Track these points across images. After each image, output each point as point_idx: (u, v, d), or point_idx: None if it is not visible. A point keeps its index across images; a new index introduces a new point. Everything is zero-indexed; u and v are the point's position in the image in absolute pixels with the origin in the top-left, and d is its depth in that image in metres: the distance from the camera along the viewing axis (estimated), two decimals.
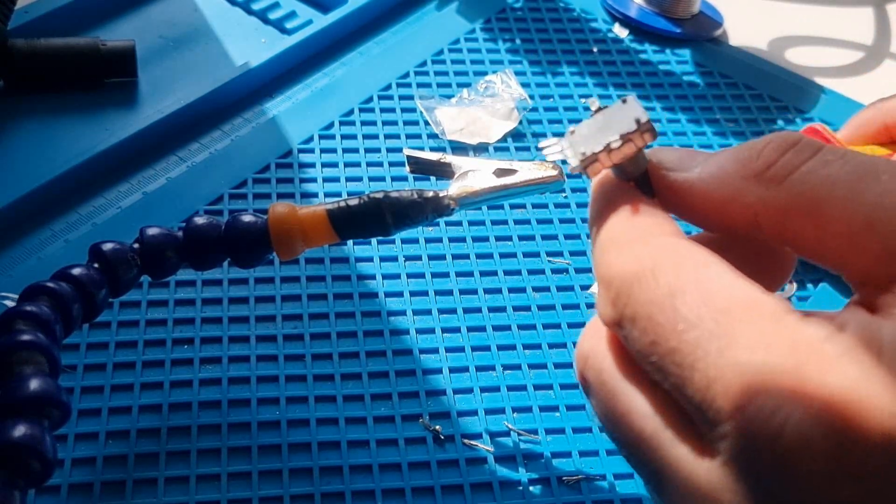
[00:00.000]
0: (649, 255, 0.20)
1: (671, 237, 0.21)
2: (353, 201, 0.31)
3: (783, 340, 0.18)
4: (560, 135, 0.25)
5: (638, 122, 0.22)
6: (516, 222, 0.43)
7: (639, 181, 0.22)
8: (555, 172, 0.31)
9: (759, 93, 0.51)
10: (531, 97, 0.49)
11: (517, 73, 0.50)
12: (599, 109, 0.23)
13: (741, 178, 0.21)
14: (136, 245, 0.32)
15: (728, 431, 0.18)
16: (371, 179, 0.44)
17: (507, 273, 0.41)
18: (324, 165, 0.45)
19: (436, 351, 0.37)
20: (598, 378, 0.22)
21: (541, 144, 0.24)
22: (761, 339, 0.18)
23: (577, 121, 0.48)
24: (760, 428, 0.17)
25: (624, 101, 0.22)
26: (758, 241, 0.23)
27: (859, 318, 0.18)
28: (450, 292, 0.40)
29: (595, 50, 0.53)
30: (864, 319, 0.18)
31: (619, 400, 0.21)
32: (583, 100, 0.50)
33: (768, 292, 0.19)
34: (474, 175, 0.31)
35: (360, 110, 0.48)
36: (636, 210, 0.22)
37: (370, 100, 0.48)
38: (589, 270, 0.41)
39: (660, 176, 0.22)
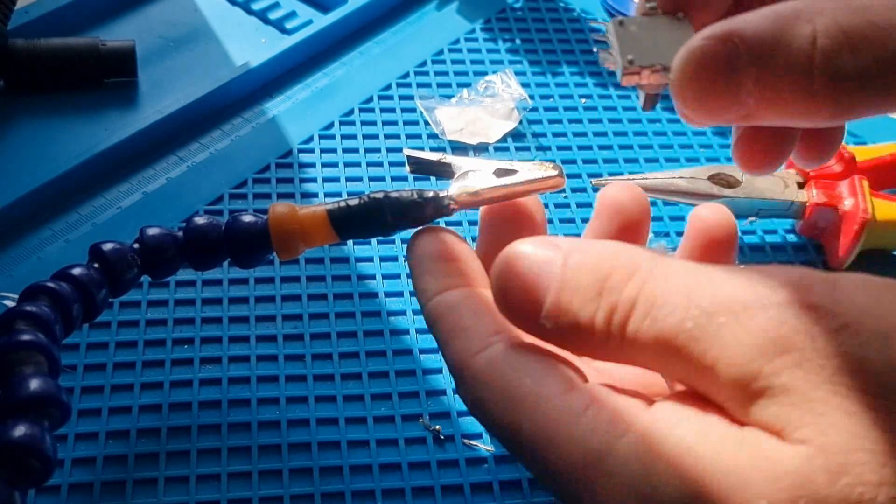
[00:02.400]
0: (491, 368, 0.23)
1: (512, 337, 0.24)
2: (353, 201, 0.31)
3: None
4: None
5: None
6: None
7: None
8: (555, 173, 0.31)
9: None
10: (531, 97, 0.49)
11: (517, 73, 0.50)
12: (654, 10, 0.25)
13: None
14: (136, 245, 0.32)
15: None
16: (371, 179, 0.44)
17: None
18: (324, 165, 0.45)
19: (436, 351, 0.37)
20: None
21: (599, 48, 0.27)
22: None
23: (577, 121, 0.48)
24: None
25: (679, 19, 0.25)
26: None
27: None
28: None
29: (595, 50, 0.53)
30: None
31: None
32: (583, 100, 0.50)
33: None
34: (474, 175, 0.31)
35: (360, 110, 0.48)
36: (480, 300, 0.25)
37: (370, 100, 0.48)
38: None
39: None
